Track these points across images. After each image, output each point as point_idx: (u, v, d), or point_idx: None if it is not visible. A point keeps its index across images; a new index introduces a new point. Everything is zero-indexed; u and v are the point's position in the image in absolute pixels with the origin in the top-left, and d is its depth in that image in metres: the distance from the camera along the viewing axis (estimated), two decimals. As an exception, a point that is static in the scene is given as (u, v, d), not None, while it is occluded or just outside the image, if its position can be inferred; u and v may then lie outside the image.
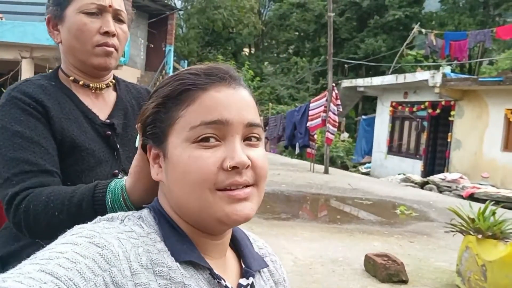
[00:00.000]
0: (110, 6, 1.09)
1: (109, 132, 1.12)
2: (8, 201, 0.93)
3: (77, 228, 0.62)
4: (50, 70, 1.20)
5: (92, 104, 1.14)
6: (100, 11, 1.08)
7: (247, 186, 0.65)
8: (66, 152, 1.03)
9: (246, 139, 0.67)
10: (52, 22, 1.13)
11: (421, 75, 13.62)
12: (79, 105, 1.11)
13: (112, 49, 1.10)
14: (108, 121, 1.13)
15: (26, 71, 10.88)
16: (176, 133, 0.65)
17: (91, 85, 1.14)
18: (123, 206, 0.84)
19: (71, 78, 1.13)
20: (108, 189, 0.86)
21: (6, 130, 0.99)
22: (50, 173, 0.98)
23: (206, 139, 0.64)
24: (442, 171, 12.77)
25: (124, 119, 1.17)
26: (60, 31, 1.11)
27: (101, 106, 1.16)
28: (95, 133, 1.10)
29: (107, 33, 1.08)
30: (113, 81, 1.21)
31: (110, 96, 1.19)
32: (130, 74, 14.13)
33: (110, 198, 0.85)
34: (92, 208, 0.86)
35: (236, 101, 0.66)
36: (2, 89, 4.21)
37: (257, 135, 0.68)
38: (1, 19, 12.05)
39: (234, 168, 0.63)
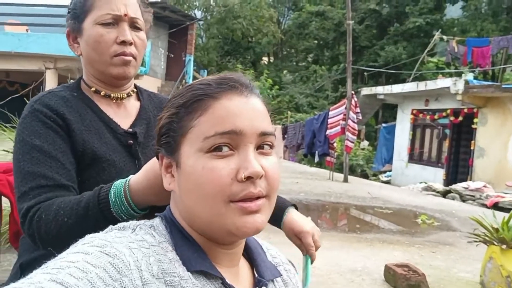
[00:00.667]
0: (125, 15, 1.09)
1: (131, 141, 1.12)
2: (23, 215, 0.95)
3: (88, 237, 0.62)
4: (72, 81, 1.22)
5: (114, 114, 1.15)
6: (116, 21, 1.09)
7: (259, 197, 0.64)
8: (88, 164, 1.05)
9: (259, 147, 0.66)
10: (72, 35, 1.15)
11: (442, 82, 13.41)
12: (100, 115, 1.12)
13: (130, 58, 1.10)
14: (130, 130, 1.14)
15: (50, 82, 11.14)
16: (189, 142, 0.65)
17: (112, 95, 1.15)
18: (123, 200, 0.86)
19: (93, 89, 1.14)
20: (113, 185, 0.89)
21: (25, 143, 1.01)
22: (66, 187, 0.99)
23: (219, 148, 0.63)
24: (465, 180, 12.50)
25: (147, 129, 1.18)
26: (80, 44, 1.13)
27: (123, 115, 1.17)
28: (117, 142, 1.11)
29: (124, 43, 1.09)
30: (135, 90, 1.22)
31: (133, 105, 1.21)
32: (151, 84, 14.32)
33: (113, 192, 0.88)
34: (98, 207, 0.88)
35: (249, 110, 0.66)
36: (26, 99, 4.29)
37: (269, 143, 0.68)
38: (27, 31, 12.39)
39: (248, 178, 0.63)
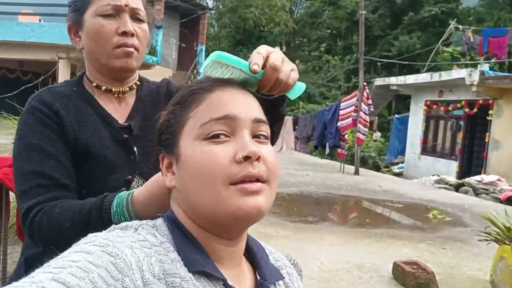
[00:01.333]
0: (126, 5, 1.08)
1: (126, 136, 1.12)
2: (24, 215, 0.96)
3: (90, 237, 0.62)
4: (79, 73, 1.23)
5: (114, 109, 1.14)
6: (117, 11, 1.08)
7: (259, 180, 0.65)
8: (81, 160, 1.05)
9: (255, 136, 0.68)
10: (73, 29, 1.14)
11: (457, 73, 13.17)
12: (99, 111, 1.11)
13: (131, 49, 1.09)
14: (125, 124, 1.13)
15: (63, 71, 11.20)
16: (187, 133, 0.68)
17: (113, 89, 1.14)
18: (124, 211, 0.87)
19: (94, 84, 1.13)
20: (116, 195, 0.90)
21: (23, 141, 1.01)
22: (65, 187, 1.00)
23: (216, 136, 0.66)
24: (479, 173, 12.32)
25: (143, 119, 1.16)
26: (81, 37, 1.12)
27: (123, 110, 1.16)
28: (113, 138, 1.11)
29: (125, 33, 1.07)
30: (138, 83, 1.20)
31: (132, 99, 1.19)
32: (162, 74, 14.33)
33: (115, 203, 0.89)
34: (100, 216, 0.89)
35: (241, 98, 0.70)
36: (38, 89, 4.31)
37: (265, 133, 0.70)
38: (39, 21, 12.45)
39: (246, 158, 0.64)
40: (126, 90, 1.16)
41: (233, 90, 0.70)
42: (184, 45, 17.61)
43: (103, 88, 1.13)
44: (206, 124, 0.66)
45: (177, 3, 15.55)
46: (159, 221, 0.69)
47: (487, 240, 3.80)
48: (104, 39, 1.07)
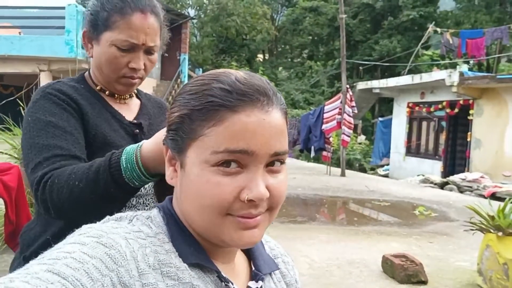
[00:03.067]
0: (143, 44, 1.11)
1: (137, 131, 1.18)
2: (38, 182, 0.96)
3: (85, 228, 0.62)
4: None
5: (118, 108, 1.20)
6: (133, 48, 1.11)
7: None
8: (98, 147, 1.08)
9: (269, 163, 0.63)
10: (87, 37, 1.17)
11: (437, 74, 13.43)
12: (107, 107, 1.17)
13: (136, 80, 1.15)
14: (135, 121, 1.19)
15: (45, 84, 11.11)
16: (197, 150, 0.63)
17: (116, 95, 1.20)
18: (135, 166, 0.88)
19: (98, 87, 1.18)
20: (124, 150, 0.90)
21: (40, 121, 1.03)
22: (80, 159, 1.02)
23: (227, 163, 0.61)
24: (463, 171, 12.53)
25: (149, 123, 1.23)
26: (94, 48, 1.16)
27: (127, 110, 1.22)
28: (124, 131, 1.16)
29: (134, 70, 1.13)
30: (135, 91, 1.28)
31: (134, 103, 1.26)
32: (146, 84, 14.27)
33: (124, 158, 0.89)
34: (109, 171, 0.89)
35: (266, 129, 0.62)
36: (20, 102, 4.29)
37: (282, 160, 0.65)
38: (19, 34, 12.33)
39: (250, 201, 0.61)
40: (127, 97, 1.23)
41: (261, 115, 0.61)
42: (167, 55, 17.57)
43: (106, 92, 1.19)
44: (218, 153, 0.61)
45: (159, 12, 15.55)
46: (154, 212, 0.69)
47: (472, 229, 3.87)
48: (113, 68, 1.12)
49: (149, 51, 1.14)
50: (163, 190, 0.82)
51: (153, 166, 0.87)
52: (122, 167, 0.88)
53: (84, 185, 0.90)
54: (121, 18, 1.08)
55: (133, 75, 1.13)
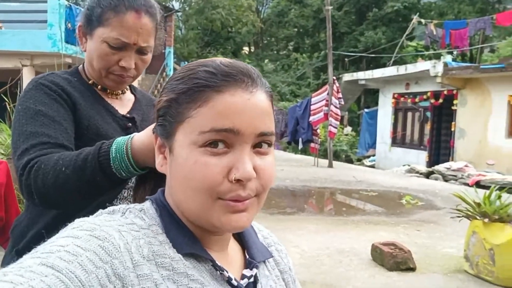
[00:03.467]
0: (135, 44, 1.11)
1: (130, 124, 1.18)
2: (23, 166, 0.96)
3: (78, 221, 0.62)
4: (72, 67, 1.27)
5: (111, 102, 1.20)
6: (124, 46, 1.11)
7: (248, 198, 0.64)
8: (90, 138, 1.07)
9: (256, 145, 0.64)
10: (82, 31, 1.18)
11: (422, 65, 13.56)
12: (100, 100, 1.17)
13: (126, 79, 1.15)
14: (129, 115, 1.20)
15: (27, 79, 10.92)
16: (184, 132, 0.64)
17: (108, 90, 1.20)
18: (124, 157, 0.88)
19: (90, 81, 1.18)
20: (115, 141, 0.90)
21: (29, 109, 1.04)
22: (67, 148, 1.02)
23: (214, 144, 0.62)
24: (448, 161, 12.71)
25: (142, 118, 1.23)
26: (87, 42, 1.16)
27: (119, 105, 1.22)
28: (117, 125, 1.16)
29: (124, 68, 1.12)
30: (128, 87, 1.27)
31: (128, 98, 1.26)
32: (131, 77, 14.14)
33: (114, 148, 0.89)
34: (97, 160, 0.89)
35: (251, 109, 0.63)
36: (5, 98, 4.23)
37: (268, 142, 0.65)
38: (0, 28, 12.09)
39: (238, 180, 0.62)
40: (119, 93, 1.23)
41: (245, 95, 0.63)
42: (152, 48, 17.42)
43: (98, 87, 1.19)
44: (205, 133, 0.61)
45: (143, 5, 15.37)
46: (147, 204, 0.69)
47: (459, 216, 3.95)
48: (103, 64, 1.12)
49: (141, 51, 1.13)
50: (143, 195, 0.83)
51: (142, 159, 0.87)
52: (111, 157, 0.88)
53: (70, 171, 0.90)
54: (114, 16, 1.09)
55: (123, 74, 1.13)
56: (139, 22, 1.10)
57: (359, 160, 17.30)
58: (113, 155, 0.88)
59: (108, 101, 1.19)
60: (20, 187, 0.98)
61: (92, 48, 1.13)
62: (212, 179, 0.61)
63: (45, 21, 10.75)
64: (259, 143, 0.64)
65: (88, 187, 0.90)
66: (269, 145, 0.66)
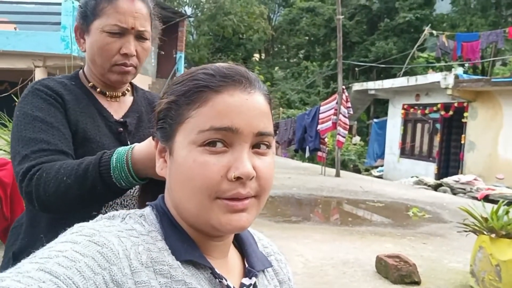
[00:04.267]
0: (132, 28, 1.12)
1: (121, 129, 1.18)
2: (24, 173, 0.97)
3: (77, 227, 0.62)
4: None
5: (108, 106, 1.20)
6: (123, 32, 1.12)
7: (247, 197, 0.64)
8: (78, 143, 1.09)
9: (255, 146, 0.65)
10: (79, 31, 1.19)
11: (432, 76, 13.49)
12: (95, 104, 1.17)
13: (129, 68, 1.14)
14: (121, 119, 1.19)
15: (40, 80, 11.04)
16: (184, 133, 0.64)
17: (107, 93, 1.20)
18: (124, 167, 0.89)
19: (90, 84, 1.19)
20: (116, 151, 0.92)
21: (27, 115, 1.05)
22: (67, 154, 1.04)
23: (213, 143, 0.62)
24: (456, 173, 12.59)
25: (138, 120, 1.23)
26: (86, 41, 1.17)
27: (116, 108, 1.22)
28: (108, 129, 1.16)
29: (126, 55, 1.12)
30: (129, 88, 1.27)
31: (127, 100, 1.26)
32: (141, 82, 14.25)
33: (115, 158, 0.90)
34: (98, 170, 0.90)
35: (249, 108, 0.64)
36: (15, 98, 4.25)
37: (267, 143, 0.66)
38: (15, 29, 12.26)
39: (238, 178, 0.62)
40: (119, 95, 1.22)
41: (243, 95, 0.64)
42: (163, 53, 17.53)
43: (97, 90, 1.19)
44: (204, 132, 0.62)
45: (155, 10, 15.51)
46: (147, 210, 0.69)
47: (465, 231, 3.90)
48: (105, 55, 1.12)
49: (140, 37, 1.14)
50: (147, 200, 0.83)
51: (142, 169, 0.88)
52: (111, 166, 0.89)
53: (72, 181, 0.92)
54: (108, 4, 1.11)
55: (126, 62, 1.13)
56: (133, 7, 1.12)
57: (367, 170, 17.21)
58: (114, 165, 0.90)
59: (105, 105, 1.19)
60: (20, 193, 1.00)
61: (92, 43, 1.13)
62: (211, 178, 0.61)
63: (59, 23, 10.89)
64: (258, 144, 0.65)
65: (89, 196, 0.92)
66: (268, 146, 0.66)
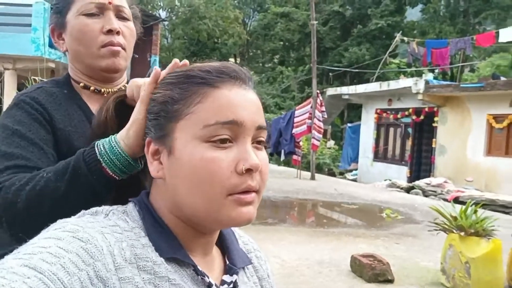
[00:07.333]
0: (109, 2, 1.04)
1: None
2: None
3: (60, 223, 0.61)
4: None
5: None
6: (101, 10, 1.04)
7: (254, 191, 0.65)
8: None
9: (253, 141, 0.66)
10: (56, 31, 1.10)
11: (404, 82, 13.81)
12: (89, 116, 1.05)
13: (118, 48, 1.04)
14: None
15: (9, 83, 10.76)
16: (185, 129, 0.63)
17: (102, 90, 1.09)
18: (114, 147, 0.78)
19: (81, 84, 1.08)
20: (95, 143, 0.81)
21: (6, 128, 0.96)
22: None
23: (222, 141, 0.62)
24: (428, 176, 12.90)
25: None
26: (65, 39, 1.08)
27: None
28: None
29: (110, 32, 1.03)
30: (126, 85, 1.14)
31: None
32: (115, 85, 14.03)
33: (101, 145, 0.80)
34: (84, 160, 0.80)
35: (248, 103, 0.65)
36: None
37: (263, 138, 0.67)
38: (-17, 31, 11.93)
39: (248, 170, 0.62)
40: (116, 91, 1.10)
41: (240, 91, 0.65)
42: (137, 56, 17.35)
43: (91, 88, 1.09)
44: (210, 126, 0.62)
45: (129, 13, 15.36)
46: (130, 207, 0.68)
47: (436, 230, 4.02)
48: (88, 38, 1.03)
49: (121, 15, 1.07)
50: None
51: (128, 144, 0.76)
52: (97, 153, 0.79)
53: (52, 177, 0.82)
54: None
55: (112, 40, 1.03)
56: None
57: (341, 173, 17.43)
58: (100, 150, 0.80)
59: (97, 107, 1.07)
60: None
61: (72, 32, 1.05)
62: (221, 174, 0.61)
63: (29, 25, 10.65)
64: (256, 138, 0.66)
65: (73, 195, 0.81)
66: (263, 142, 0.67)
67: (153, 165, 0.67)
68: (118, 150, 0.78)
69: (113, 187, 0.81)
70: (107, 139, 0.80)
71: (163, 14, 27.01)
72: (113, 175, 0.79)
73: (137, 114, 0.73)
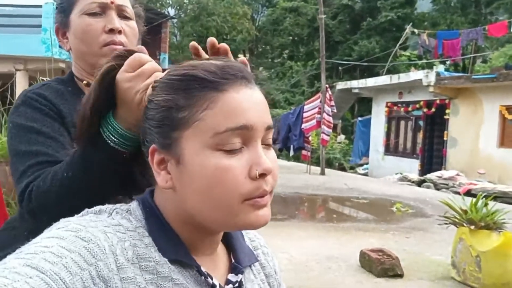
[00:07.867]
0: (112, 2, 1.06)
1: None
2: (22, 192, 0.90)
3: (63, 222, 0.61)
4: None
5: None
6: (103, 9, 1.06)
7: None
8: None
9: (262, 143, 0.64)
10: (61, 31, 1.13)
11: (415, 74, 13.66)
12: None
13: (119, 47, 1.05)
14: None
15: (21, 83, 10.87)
16: (194, 137, 0.61)
17: None
18: (110, 118, 0.79)
19: (84, 82, 1.10)
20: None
21: (21, 127, 0.97)
22: None
23: (233, 146, 0.61)
24: (440, 169, 12.77)
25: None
26: (69, 38, 1.11)
27: None
28: None
29: (112, 31, 1.05)
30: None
31: None
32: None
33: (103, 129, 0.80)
34: (93, 141, 0.81)
35: (257, 103, 0.64)
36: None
37: (270, 137, 0.66)
38: (-5, 32, 12.07)
39: (261, 175, 0.61)
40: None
41: (247, 91, 0.63)
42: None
43: None
44: (221, 134, 0.60)
45: (138, 11, 15.44)
46: (134, 205, 0.67)
47: (446, 223, 3.98)
48: (91, 37, 1.06)
49: (123, 14, 1.09)
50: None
51: (125, 118, 0.78)
52: (104, 134, 0.80)
53: (68, 170, 0.84)
54: None
55: (114, 40, 1.05)
56: None
57: (352, 168, 17.35)
58: (105, 133, 0.81)
59: None
60: (24, 213, 0.92)
61: (75, 31, 1.08)
62: (237, 182, 0.60)
63: (39, 26, 10.76)
64: (265, 138, 0.65)
65: (90, 176, 0.83)
66: (270, 140, 0.67)
67: (160, 176, 0.65)
68: (115, 124, 0.79)
69: (124, 160, 0.81)
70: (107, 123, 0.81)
71: (171, 11, 27.09)
72: (117, 147, 0.80)
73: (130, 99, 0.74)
